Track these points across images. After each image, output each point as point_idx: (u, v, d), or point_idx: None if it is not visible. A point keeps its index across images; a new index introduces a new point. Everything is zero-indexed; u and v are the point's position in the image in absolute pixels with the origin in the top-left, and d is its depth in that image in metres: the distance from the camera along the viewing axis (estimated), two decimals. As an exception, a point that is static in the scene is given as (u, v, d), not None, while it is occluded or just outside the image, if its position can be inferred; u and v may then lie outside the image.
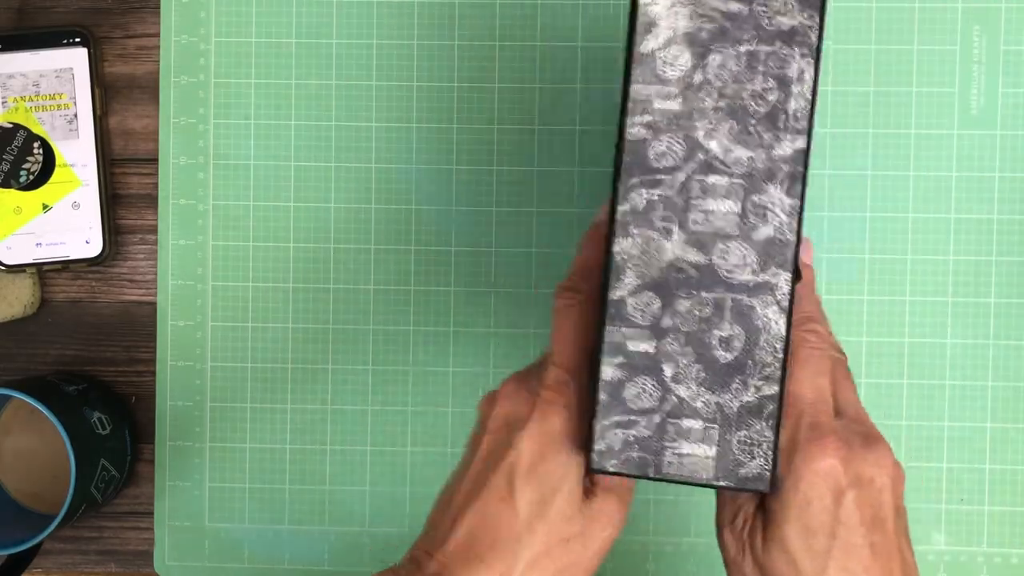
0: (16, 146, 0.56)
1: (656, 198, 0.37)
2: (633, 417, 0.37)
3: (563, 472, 0.38)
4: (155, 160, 0.58)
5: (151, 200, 0.58)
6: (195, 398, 0.58)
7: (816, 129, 0.55)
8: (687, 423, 0.37)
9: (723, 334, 0.37)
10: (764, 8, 0.36)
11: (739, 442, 0.37)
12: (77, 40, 0.57)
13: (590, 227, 0.43)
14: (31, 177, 0.56)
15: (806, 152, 0.36)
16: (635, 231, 0.37)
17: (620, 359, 0.37)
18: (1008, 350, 0.56)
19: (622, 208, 0.37)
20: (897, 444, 0.55)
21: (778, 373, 0.36)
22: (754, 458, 0.37)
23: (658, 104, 0.37)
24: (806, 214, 0.37)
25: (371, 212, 0.58)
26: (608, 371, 0.37)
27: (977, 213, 0.56)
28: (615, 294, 0.37)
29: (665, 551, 0.57)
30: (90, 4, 0.58)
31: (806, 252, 0.45)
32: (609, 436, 0.37)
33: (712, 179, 0.37)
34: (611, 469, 0.37)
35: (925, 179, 0.56)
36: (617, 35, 0.57)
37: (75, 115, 0.57)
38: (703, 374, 0.37)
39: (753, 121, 0.36)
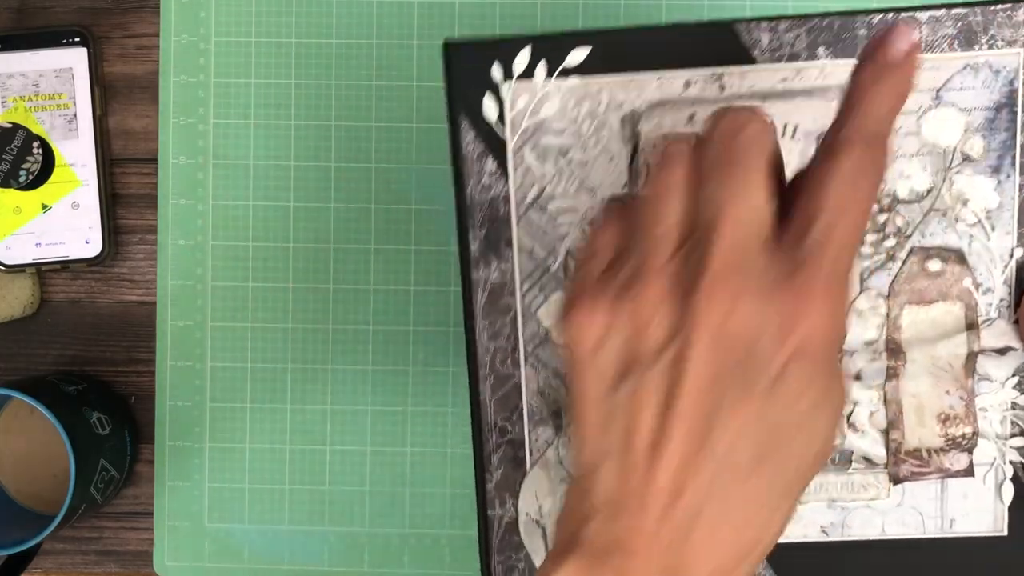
0: (16, 146, 0.56)
1: None
2: None
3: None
4: (155, 160, 0.58)
5: (151, 200, 0.58)
6: (195, 398, 0.58)
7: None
8: None
9: None
10: None
11: None
12: (77, 40, 0.57)
13: (888, 45, 0.33)
14: (31, 177, 0.56)
15: None
16: None
17: None
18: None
19: None
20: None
21: None
22: None
23: None
24: None
25: (371, 212, 0.57)
26: None
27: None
28: None
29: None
30: (90, 4, 0.58)
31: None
32: None
33: None
34: None
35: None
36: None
37: (75, 115, 0.57)
38: None
39: None
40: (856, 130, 0.32)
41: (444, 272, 0.57)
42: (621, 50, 0.39)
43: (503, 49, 0.39)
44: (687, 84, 0.40)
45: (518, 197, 0.40)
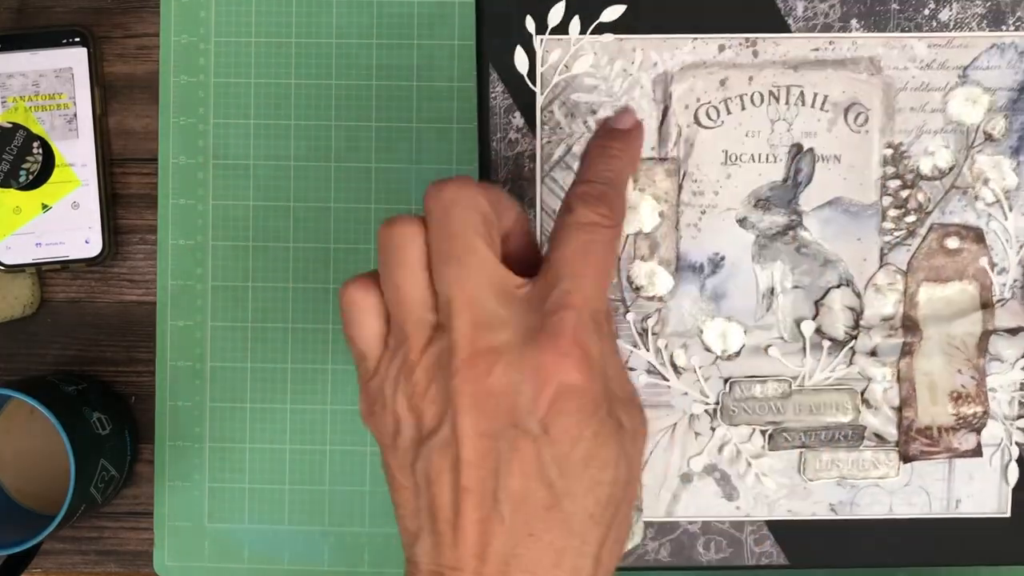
0: (15, 146, 0.56)
1: None
2: None
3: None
4: (155, 160, 0.58)
5: (151, 200, 0.58)
6: (195, 398, 0.58)
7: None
8: None
9: None
10: None
11: None
12: (77, 40, 0.57)
13: (612, 125, 0.37)
14: (30, 177, 0.56)
15: None
16: None
17: None
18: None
19: None
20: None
21: None
22: None
23: None
24: None
25: (371, 212, 0.57)
26: None
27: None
28: None
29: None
30: (90, 4, 0.58)
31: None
32: None
33: None
34: None
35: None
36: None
37: (75, 115, 0.57)
38: None
39: None
40: (580, 193, 0.34)
41: (444, 272, 0.57)
42: (657, 10, 0.40)
43: (537, 1, 0.39)
44: (721, 48, 0.40)
45: (544, 154, 0.40)
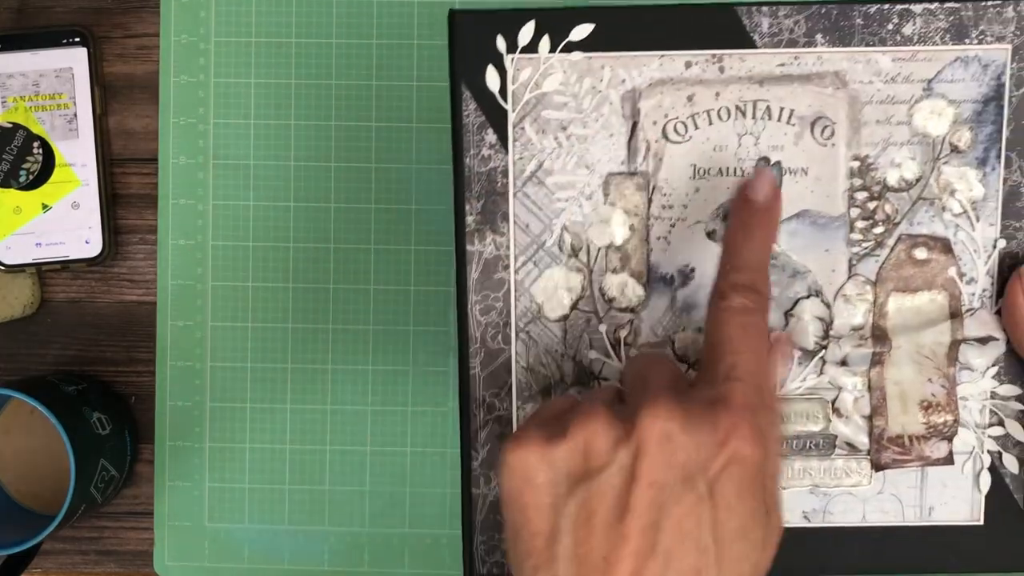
0: (16, 146, 0.56)
1: None
2: None
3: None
4: (155, 160, 0.58)
5: (151, 200, 0.58)
6: (195, 398, 0.58)
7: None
8: None
9: None
10: None
11: None
12: (77, 40, 0.57)
13: (752, 196, 0.38)
14: (31, 177, 0.56)
15: None
16: None
17: None
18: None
19: None
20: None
21: None
22: None
23: None
24: None
25: (371, 212, 0.57)
26: None
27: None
28: None
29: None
30: (90, 4, 0.58)
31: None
32: None
33: None
34: None
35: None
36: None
37: (75, 115, 0.57)
38: None
39: None
40: (732, 283, 0.36)
41: (444, 272, 0.57)
42: (625, 28, 0.40)
43: (508, 21, 0.40)
44: (688, 64, 0.40)
45: (516, 170, 0.41)
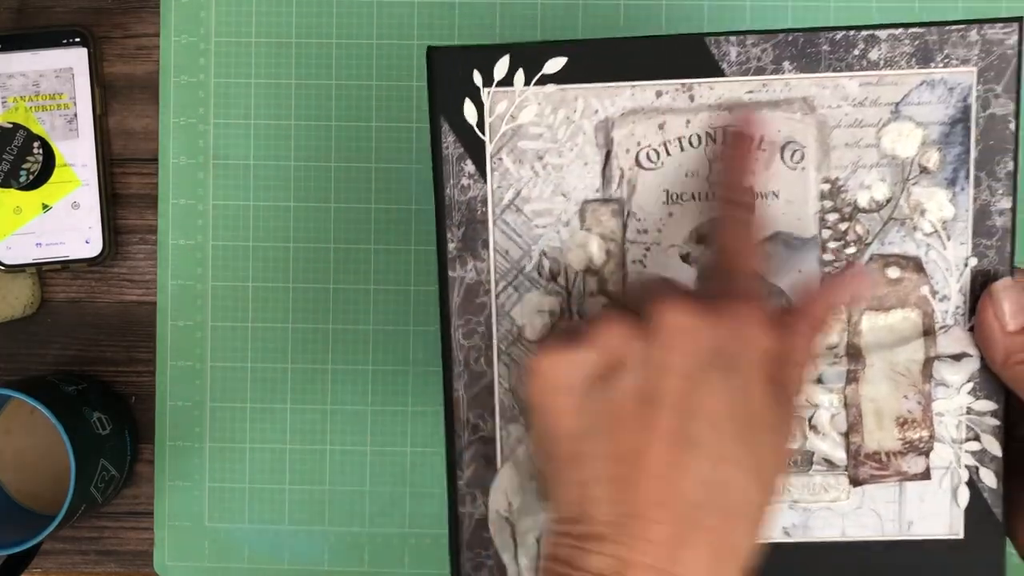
0: (16, 146, 0.56)
1: None
2: None
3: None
4: (155, 160, 0.58)
5: (151, 200, 0.58)
6: (195, 398, 0.58)
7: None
8: None
9: None
10: None
11: None
12: (77, 40, 0.57)
13: (739, 127, 0.41)
14: (31, 177, 0.56)
15: None
16: None
17: None
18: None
19: None
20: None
21: None
22: None
23: None
24: None
25: (371, 212, 0.58)
26: None
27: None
28: None
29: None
30: (90, 4, 0.58)
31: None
32: None
33: None
34: None
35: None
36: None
37: (75, 115, 0.57)
38: None
39: None
40: (726, 199, 0.40)
41: (444, 272, 0.57)
42: (596, 60, 0.41)
43: (483, 56, 0.41)
44: (659, 94, 0.42)
45: (495, 199, 0.42)
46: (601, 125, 0.42)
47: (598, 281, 0.42)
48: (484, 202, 0.42)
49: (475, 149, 0.42)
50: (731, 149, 0.41)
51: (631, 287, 0.40)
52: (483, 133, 0.42)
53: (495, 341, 0.42)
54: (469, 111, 0.42)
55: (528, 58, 0.41)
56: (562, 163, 0.42)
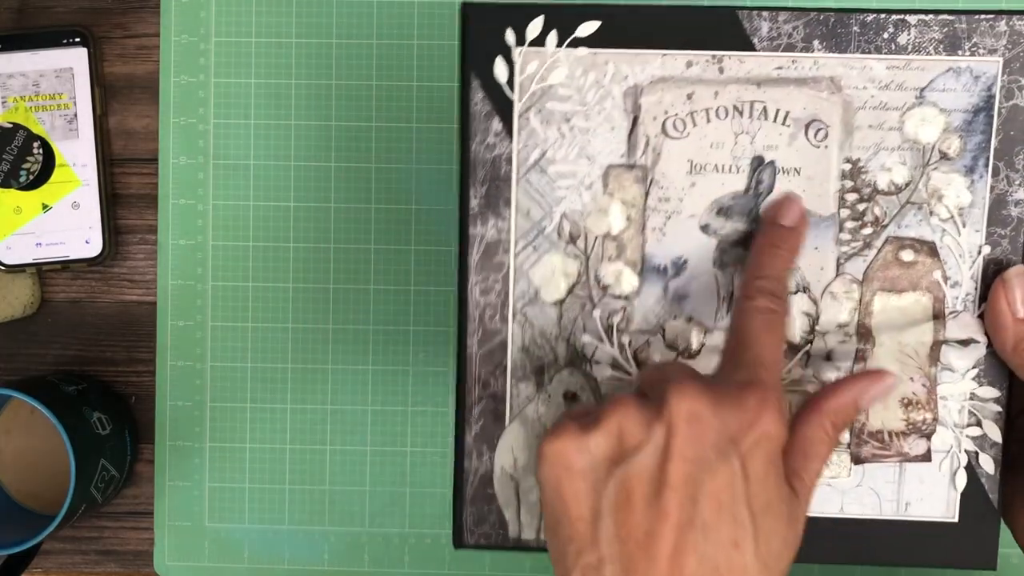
0: (16, 146, 0.56)
1: None
2: None
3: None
4: (155, 160, 0.58)
5: (151, 200, 0.58)
6: (195, 398, 0.58)
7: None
8: None
9: None
10: None
11: None
12: (77, 40, 0.57)
13: (780, 221, 0.41)
14: (31, 177, 0.56)
15: None
16: None
17: None
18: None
19: None
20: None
21: None
22: None
23: None
24: None
25: (371, 212, 0.58)
26: None
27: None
28: None
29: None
30: (90, 4, 0.58)
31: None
32: None
33: None
34: None
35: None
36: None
37: (75, 115, 0.57)
38: None
39: None
40: (759, 287, 0.39)
41: (444, 272, 0.57)
42: (629, 26, 0.42)
43: (517, 15, 0.42)
44: (688, 64, 0.42)
45: (520, 158, 0.42)
46: (630, 91, 0.42)
47: (617, 246, 0.43)
48: (509, 160, 0.42)
49: (503, 107, 0.42)
50: (776, 240, 0.41)
51: (646, 371, 0.41)
52: (512, 92, 0.42)
53: (511, 300, 0.43)
54: (500, 69, 0.42)
55: (562, 19, 0.42)
56: (589, 126, 0.42)
